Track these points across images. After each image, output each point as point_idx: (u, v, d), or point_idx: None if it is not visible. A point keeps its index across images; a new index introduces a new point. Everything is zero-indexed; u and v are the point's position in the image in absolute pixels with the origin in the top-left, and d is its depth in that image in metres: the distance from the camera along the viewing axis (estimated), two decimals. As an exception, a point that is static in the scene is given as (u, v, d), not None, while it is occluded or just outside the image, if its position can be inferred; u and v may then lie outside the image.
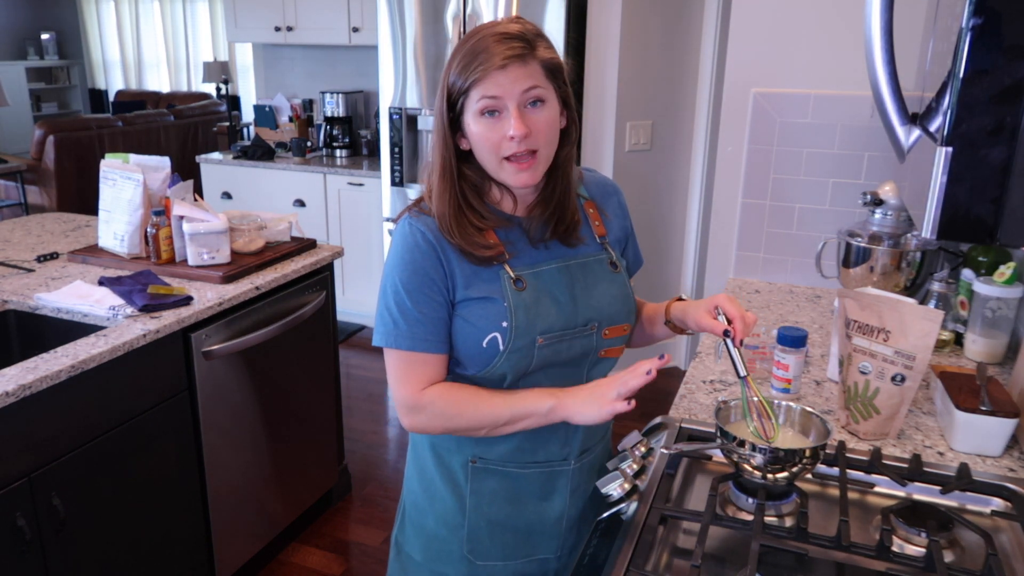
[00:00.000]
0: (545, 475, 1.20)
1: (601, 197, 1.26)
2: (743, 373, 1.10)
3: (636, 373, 1.04)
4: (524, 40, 1.05)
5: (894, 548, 1.03)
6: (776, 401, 1.22)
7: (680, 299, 1.25)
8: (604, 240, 1.22)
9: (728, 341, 1.11)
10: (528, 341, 1.10)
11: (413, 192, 3.74)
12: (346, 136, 4.47)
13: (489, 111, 1.05)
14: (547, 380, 1.15)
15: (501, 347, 1.10)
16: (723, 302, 1.13)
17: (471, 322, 1.11)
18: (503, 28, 1.06)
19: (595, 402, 1.06)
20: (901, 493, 1.18)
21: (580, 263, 1.17)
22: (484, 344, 1.10)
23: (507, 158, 1.07)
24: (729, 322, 1.11)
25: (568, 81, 1.12)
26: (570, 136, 1.14)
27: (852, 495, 1.19)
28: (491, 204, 1.15)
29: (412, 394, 1.12)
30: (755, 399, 1.12)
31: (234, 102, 6.79)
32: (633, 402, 1.04)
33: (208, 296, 2.04)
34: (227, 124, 5.81)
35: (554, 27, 3.23)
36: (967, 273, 1.72)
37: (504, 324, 1.09)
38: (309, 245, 2.49)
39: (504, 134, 1.05)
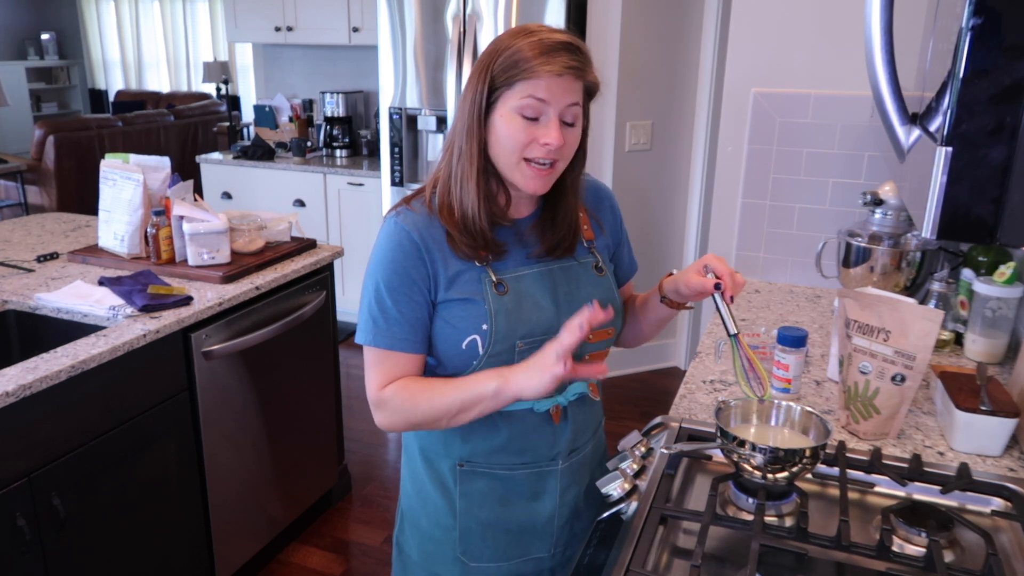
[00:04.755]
0: (534, 476, 1.20)
1: (594, 204, 1.26)
2: (733, 331, 1.10)
3: (570, 328, 1.00)
4: (584, 57, 1.06)
5: (894, 548, 1.03)
6: (776, 401, 1.22)
7: (671, 274, 1.25)
8: (591, 244, 1.22)
9: (717, 296, 1.10)
10: (508, 345, 1.10)
11: (413, 192, 3.74)
12: (346, 136, 4.47)
13: (528, 110, 1.04)
14: None
15: (480, 350, 1.10)
16: (712, 260, 1.13)
17: (451, 323, 1.11)
18: (564, 37, 1.05)
19: (536, 371, 1.02)
20: (901, 493, 1.18)
21: (563, 267, 1.17)
22: (463, 346, 1.10)
23: (528, 160, 1.06)
24: (718, 279, 1.10)
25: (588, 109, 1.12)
26: (579, 160, 1.15)
27: (852, 495, 1.19)
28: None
29: (374, 391, 1.14)
30: (746, 356, 1.12)
31: (234, 102, 6.79)
32: (570, 363, 1.00)
33: (208, 296, 2.05)
34: (227, 124, 5.81)
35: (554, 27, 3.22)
36: (967, 273, 1.72)
37: (484, 327, 1.09)
38: (309, 245, 2.49)
39: (535, 137, 1.05)
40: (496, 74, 1.05)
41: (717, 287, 1.10)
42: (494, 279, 1.11)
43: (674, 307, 1.24)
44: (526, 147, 1.05)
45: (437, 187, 1.14)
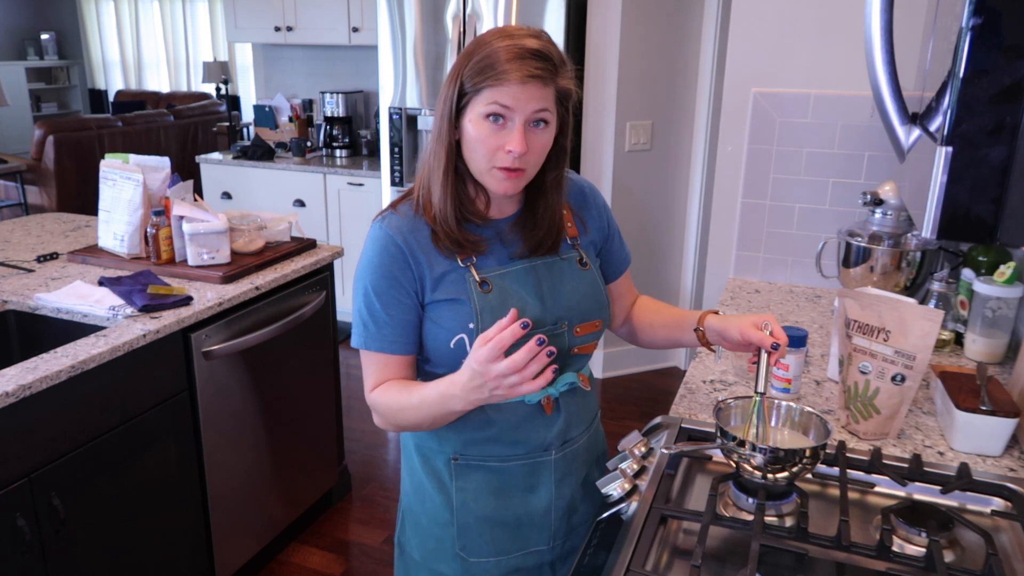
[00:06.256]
0: (528, 467, 1.21)
1: (579, 203, 1.28)
2: (762, 390, 1.15)
3: (482, 340, 1.00)
4: (551, 64, 1.06)
5: (894, 548, 1.03)
6: (776, 401, 1.22)
7: (715, 312, 1.28)
8: (574, 241, 1.24)
9: (765, 356, 1.15)
10: None
11: (413, 192, 3.74)
12: (346, 136, 4.47)
13: (494, 116, 1.06)
14: None
15: (469, 348, 1.11)
16: (773, 321, 1.17)
17: (439, 323, 1.13)
18: (534, 44, 1.05)
19: (477, 391, 1.03)
20: (901, 493, 1.18)
21: (546, 263, 1.19)
22: (452, 345, 1.12)
23: (497, 167, 1.08)
24: (776, 341, 1.15)
25: (570, 109, 1.13)
26: (559, 160, 1.16)
27: (852, 495, 1.19)
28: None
29: (367, 394, 1.17)
30: (758, 419, 1.15)
31: (234, 102, 6.79)
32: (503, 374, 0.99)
33: (208, 296, 2.05)
34: (227, 124, 5.81)
35: (554, 27, 3.23)
36: (967, 273, 1.72)
37: (471, 326, 1.11)
38: (309, 245, 2.49)
39: (502, 144, 1.06)
40: (465, 80, 1.07)
41: (775, 347, 1.15)
42: (478, 278, 1.13)
43: (702, 342, 1.28)
44: (494, 154, 1.07)
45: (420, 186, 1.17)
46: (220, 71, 7.00)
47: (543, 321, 1.15)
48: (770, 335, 1.16)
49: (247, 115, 6.61)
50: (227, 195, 4.45)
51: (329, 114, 4.45)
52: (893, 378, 1.30)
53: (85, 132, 5.78)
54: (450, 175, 1.12)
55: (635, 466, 1.21)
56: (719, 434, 1.12)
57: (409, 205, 1.17)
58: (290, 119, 4.63)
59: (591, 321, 1.21)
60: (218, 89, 7.00)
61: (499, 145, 1.06)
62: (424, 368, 1.19)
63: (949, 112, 0.66)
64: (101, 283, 2.08)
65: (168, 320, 1.89)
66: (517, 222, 1.19)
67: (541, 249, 1.18)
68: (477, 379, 1.02)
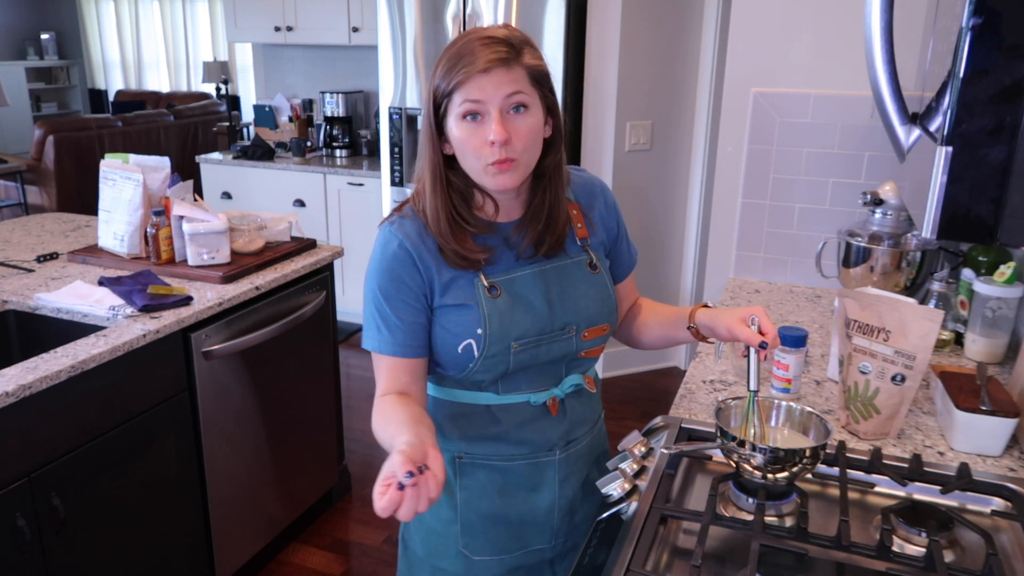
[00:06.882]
0: (532, 467, 1.22)
1: (586, 200, 1.26)
2: (754, 388, 1.14)
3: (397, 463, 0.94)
4: (509, 45, 1.05)
5: (894, 548, 1.03)
6: (776, 401, 1.22)
7: (706, 306, 1.26)
8: (585, 242, 1.23)
9: (754, 353, 1.13)
10: (503, 347, 1.12)
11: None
12: (346, 136, 4.47)
13: (471, 115, 1.05)
14: (526, 380, 1.17)
15: (476, 353, 1.11)
16: (761, 314, 1.15)
17: (447, 328, 1.13)
18: (489, 32, 1.06)
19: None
20: (901, 493, 1.18)
21: (556, 267, 1.18)
22: (459, 350, 1.12)
23: (490, 163, 1.07)
24: (764, 337, 1.13)
25: (554, 89, 1.12)
26: (555, 144, 1.15)
27: (852, 495, 1.19)
28: (474, 210, 1.16)
29: (376, 397, 1.15)
30: (758, 413, 1.15)
31: (234, 102, 6.79)
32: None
33: (208, 296, 2.05)
34: (227, 124, 5.81)
35: (554, 27, 3.23)
36: (967, 273, 1.72)
37: (479, 331, 1.11)
38: (309, 245, 2.49)
39: (485, 139, 1.05)
40: (437, 90, 1.07)
41: (763, 345, 1.12)
42: (486, 283, 1.13)
43: (698, 338, 1.26)
44: (481, 151, 1.06)
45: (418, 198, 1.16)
46: (220, 71, 7.00)
47: (550, 326, 1.15)
48: (758, 330, 1.13)
49: (247, 115, 6.61)
50: (227, 195, 4.45)
51: (329, 114, 4.45)
52: (893, 378, 1.30)
53: (85, 132, 5.77)
54: (439, 188, 1.11)
55: (635, 466, 1.21)
56: (719, 434, 1.12)
57: (413, 209, 1.17)
58: (290, 119, 4.63)
59: (599, 326, 1.20)
60: (218, 89, 6.99)
61: (482, 141, 1.05)
62: (435, 370, 1.19)
63: (949, 112, 0.66)
64: (101, 283, 2.08)
65: (168, 320, 1.89)
66: (522, 221, 1.18)
67: (544, 246, 1.16)
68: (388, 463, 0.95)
